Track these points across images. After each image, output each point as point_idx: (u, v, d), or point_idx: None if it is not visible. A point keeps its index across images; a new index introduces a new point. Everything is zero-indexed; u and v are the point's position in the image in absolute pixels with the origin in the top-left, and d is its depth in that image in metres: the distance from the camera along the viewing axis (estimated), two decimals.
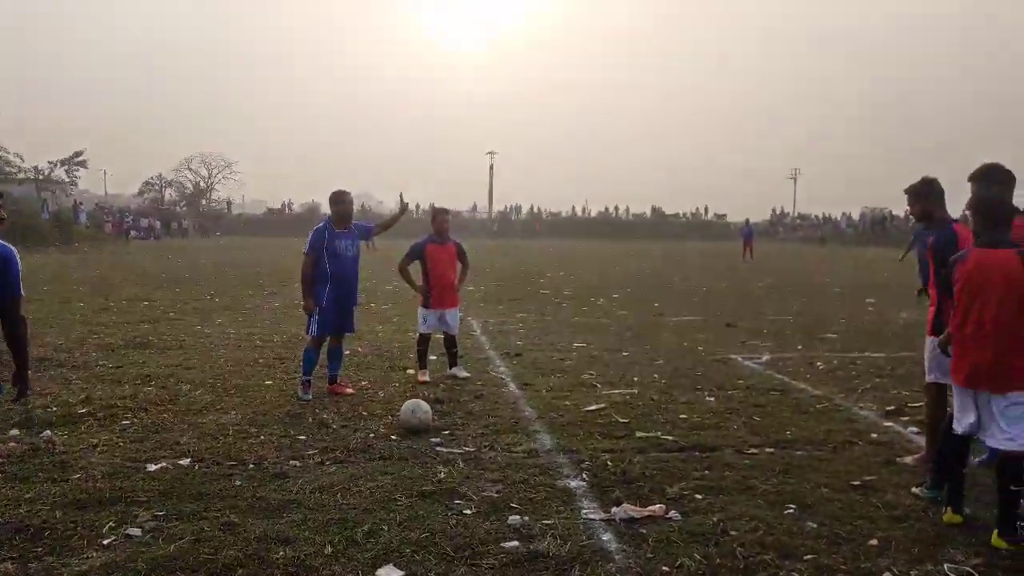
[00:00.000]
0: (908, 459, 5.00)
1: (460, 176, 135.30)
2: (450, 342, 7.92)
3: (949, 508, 3.99)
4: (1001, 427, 3.79)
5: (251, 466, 4.89)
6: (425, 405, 5.95)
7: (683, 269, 27.11)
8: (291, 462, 4.97)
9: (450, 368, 7.88)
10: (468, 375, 7.79)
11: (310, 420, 6.02)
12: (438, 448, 5.33)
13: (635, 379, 7.78)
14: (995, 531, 3.71)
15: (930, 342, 4.64)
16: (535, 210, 77.07)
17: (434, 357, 8.49)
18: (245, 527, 3.89)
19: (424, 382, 7.46)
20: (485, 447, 5.37)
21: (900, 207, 55.84)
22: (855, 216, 65.38)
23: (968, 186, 4.51)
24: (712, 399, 6.89)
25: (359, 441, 5.46)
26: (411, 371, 7.92)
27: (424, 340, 7.77)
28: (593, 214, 77.77)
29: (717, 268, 27.55)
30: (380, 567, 3.47)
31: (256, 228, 64.75)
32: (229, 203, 79.48)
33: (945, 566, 3.49)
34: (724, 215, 76.25)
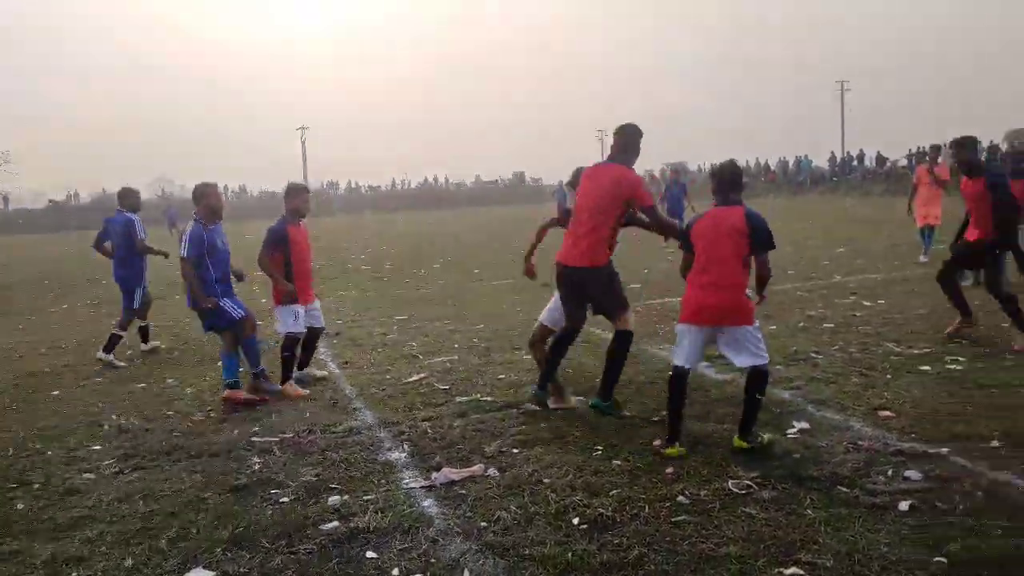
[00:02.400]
0: None
1: (269, 154, 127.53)
2: (314, 337, 6.72)
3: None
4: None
5: (36, 486, 4.44)
6: None
7: (501, 233, 27.67)
8: (84, 475, 4.58)
9: (301, 369, 6.60)
10: (325, 373, 6.92)
11: (106, 427, 5.56)
12: (254, 439, 5.12)
13: (455, 346, 7.89)
14: (736, 436, 4.28)
15: None
16: (353, 185, 75.24)
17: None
18: (30, 552, 3.54)
19: (304, 396, 6.15)
20: (303, 431, 5.24)
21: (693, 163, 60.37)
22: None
23: None
24: (529, 357, 7.11)
25: (163, 443, 5.12)
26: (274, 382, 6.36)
27: (293, 343, 6.33)
28: (413, 185, 77.21)
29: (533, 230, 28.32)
30: (187, 572, 3.30)
31: (37, 225, 57.88)
32: (5, 198, 70.29)
33: (729, 483, 3.88)
34: (539, 179, 78.48)
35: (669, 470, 4.09)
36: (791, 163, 50.81)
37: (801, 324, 7.87)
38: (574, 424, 4.99)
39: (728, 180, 4.39)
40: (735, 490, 3.78)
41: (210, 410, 5.91)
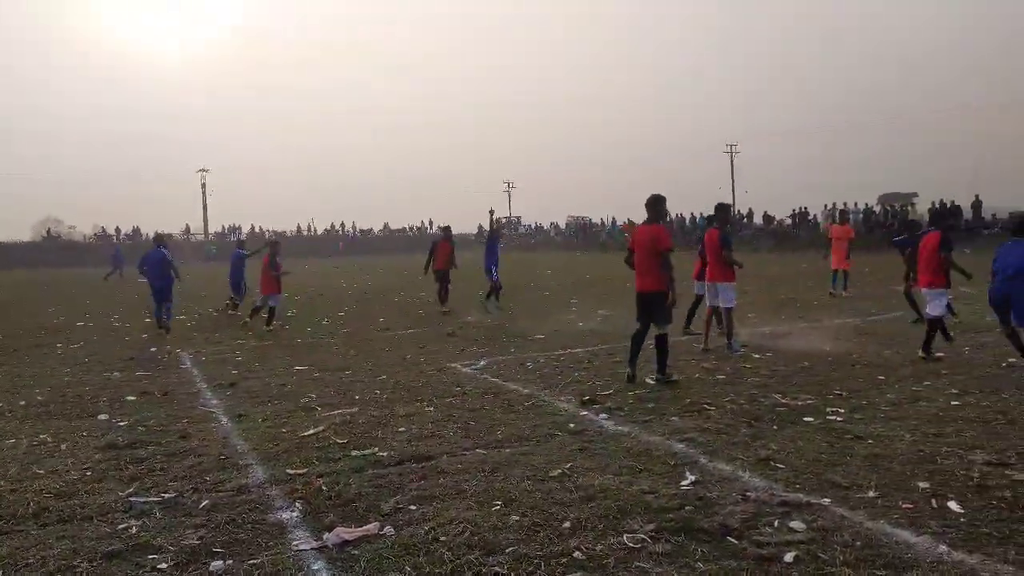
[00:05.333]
0: None
1: (166, 195, 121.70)
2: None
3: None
4: None
5: None
6: None
7: (409, 282, 27.49)
8: None
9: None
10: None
11: None
12: (131, 499, 4.81)
13: (356, 397, 7.71)
14: None
15: None
16: (256, 229, 73.22)
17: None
18: None
19: None
20: (188, 490, 4.96)
21: (597, 215, 62.65)
22: (561, 224, 71.30)
23: None
24: (431, 409, 7.05)
25: (30, 505, 4.73)
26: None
27: None
28: (319, 232, 75.88)
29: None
30: None
31: None
32: None
33: (624, 536, 3.92)
34: (448, 227, 78.65)
35: (566, 524, 4.10)
36: (687, 220, 52.89)
37: (696, 376, 8.14)
38: (474, 478, 4.94)
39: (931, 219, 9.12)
40: (630, 544, 3.82)
41: (86, 468, 5.52)
